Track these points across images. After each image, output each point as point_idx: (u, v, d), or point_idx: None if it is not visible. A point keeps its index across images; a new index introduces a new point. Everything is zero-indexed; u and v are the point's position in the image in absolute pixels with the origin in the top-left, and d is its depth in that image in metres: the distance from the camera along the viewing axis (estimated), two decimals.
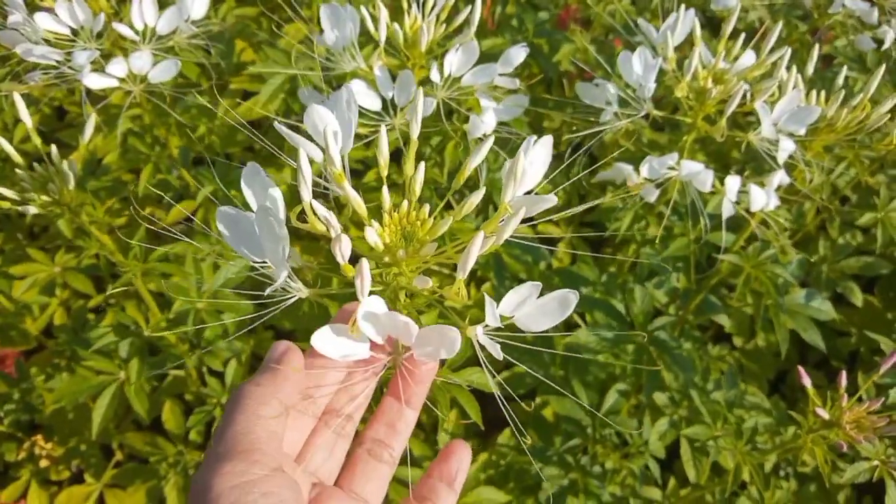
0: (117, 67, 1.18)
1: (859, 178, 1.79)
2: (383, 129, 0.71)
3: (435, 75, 1.05)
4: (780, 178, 1.12)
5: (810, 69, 1.15)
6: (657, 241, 1.43)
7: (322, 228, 0.65)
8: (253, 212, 0.66)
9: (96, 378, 1.40)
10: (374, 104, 1.06)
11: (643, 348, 1.40)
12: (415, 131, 0.72)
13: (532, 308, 0.64)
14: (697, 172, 1.05)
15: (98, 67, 1.19)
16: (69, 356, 1.65)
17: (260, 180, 0.68)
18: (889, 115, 1.11)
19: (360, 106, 1.08)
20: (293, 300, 0.67)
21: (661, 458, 1.56)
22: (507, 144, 1.84)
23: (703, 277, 1.54)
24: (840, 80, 1.12)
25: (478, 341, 0.65)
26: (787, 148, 1.06)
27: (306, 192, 0.64)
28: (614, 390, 1.56)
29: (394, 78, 1.06)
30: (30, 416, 1.93)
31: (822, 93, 1.12)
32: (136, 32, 1.21)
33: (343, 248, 0.61)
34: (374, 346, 0.67)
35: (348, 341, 0.63)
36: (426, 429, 1.82)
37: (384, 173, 0.71)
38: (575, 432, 1.50)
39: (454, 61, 1.04)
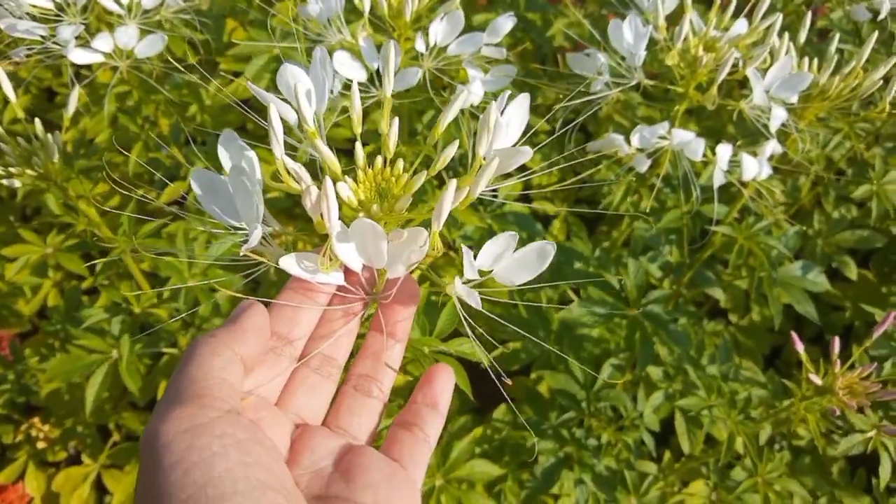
0: (103, 42, 1.17)
1: (854, 151, 1.79)
2: (354, 84, 0.70)
3: (420, 45, 1.04)
4: (772, 147, 1.11)
5: (802, 37, 1.14)
6: (649, 214, 1.42)
7: (297, 187, 0.64)
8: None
9: (89, 357, 1.39)
10: (360, 75, 1.05)
11: (637, 322, 1.39)
12: (388, 88, 0.72)
13: (510, 261, 0.63)
14: (689, 141, 1.04)
15: (84, 43, 1.17)
16: (63, 337, 1.65)
17: (236, 146, 0.67)
18: (882, 84, 1.10)
19: (345, 77, 1.07)
20: (267, 267, 0.67)
21: (655, 430, 1.57)
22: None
23: (697, 250, 1.54)
24: (833, 48, 1.11)
25: (457, 296, 0.64)
26: (779, 116, 1.05)
27: (278, 149, 0.64)
28: (608, 365, 1.56)
29: (380, 49, 1.04)
30: (25, 397, 1.94)
31: (815, 60, 1.11)
32: (121, 6, 1.19)
33: (312, 200, 0.61)
34: (349, 278, 0.67)
35: (318, 269, 0.63)
36: None
37: (358, 129, 0.70)
38: (570, 406, 1.50)
39: (439, 31, 1.03)
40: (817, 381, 1.03)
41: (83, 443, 1.88)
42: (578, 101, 1.15)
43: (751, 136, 1.90)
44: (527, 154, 0.63)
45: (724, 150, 1.07)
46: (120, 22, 1.19)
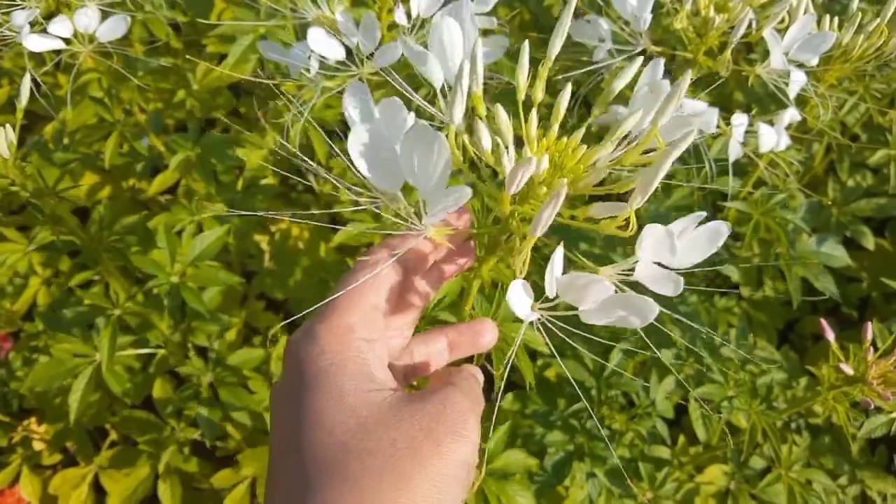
0: (60, 26, 1.09)
1: (870, 114, 1.69)
2: (525, 47, 0.63)
3: (400, 17, 0.95)
4: (790, 115, 1.03)
5: None
6: (658, 192, 1.34)
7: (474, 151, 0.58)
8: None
9: (72, 360, 1.33)
10: (338, 53, 0.97)
11: None
12: (555, 49, 0.64)
13: (684, 242, 0.57)
14: (701, 112, 0.95)
15: (42, 28, 1.09)
16: (49, 338, 1.58)
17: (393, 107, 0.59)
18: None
19: (321, 56, 0.99)
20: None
21: (669, 417, 1.50)
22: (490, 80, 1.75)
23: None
24: (855, 4, 1.02)
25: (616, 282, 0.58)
26: (798, 80, 0.97)
27: (460, 110, 0.56)
28: (618, 350, 1.49)
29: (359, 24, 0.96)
30: (18, 400, 1.88)
31: (836, 19, 1.02)
32: None
33: (525, 175, 0.54)
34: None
35: None
36: None
37: (522, 95, 0.62)
38: (579, 395, 1.44)
39: (421, 1, 0.95)
40: (848, 370, 0.96)
41: (78, 444, 1.83)
42: (580, 71, 1.07)
43: (760, 104, 1.82)
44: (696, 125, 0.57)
45: (739, 121, 0.98)
46: (80, 4, 1.11)
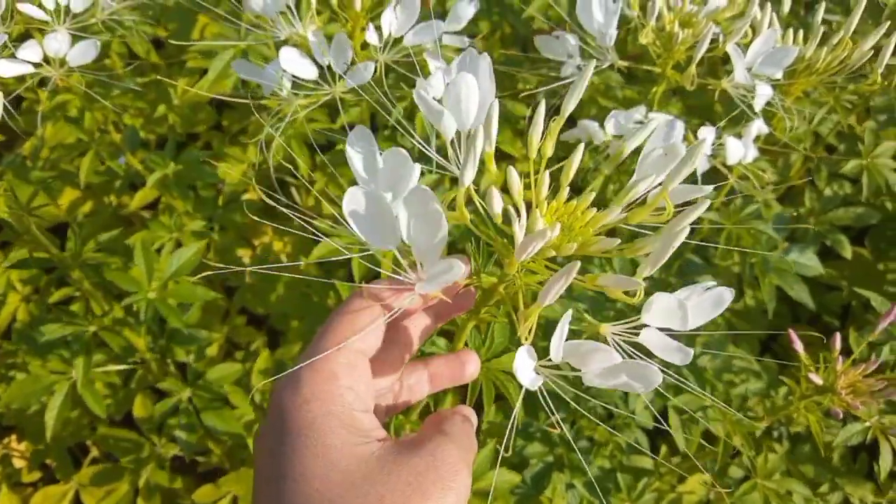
0: (30, 52, 1.08)
1: (842, 125, 1.72)
2: (541, 106, 0.63)
3: (371, 36, 0.96)
4: (758, 127, 1.04)
5: (786, 8, 1.06)
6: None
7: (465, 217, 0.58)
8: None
9: (48, 378, 1.32)
10: (310, 72, 0.98)
11: (623, 315, 1.33)
12: (570, 106, 0.65)
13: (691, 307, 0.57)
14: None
15: (11, 54, 1.09)
16: (26, 355, 1.58)
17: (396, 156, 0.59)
18: (871, 55, 1.03)
19: (293, 76, 1.00)
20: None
21: (648, 428, 1.51)
22: None
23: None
24: (819, 18, 1.04)
25: (614, 341, 0.59)
26: (764, 94, 0.98)
27: (471, 173, 0.56)
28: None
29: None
30: None
31: (801, 32, 1.04)
32: (47, 12, 1.10)
33: (537, 246, 0.54)
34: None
35: None
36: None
37: (533, 155, 0.62)
38: (557, 406, 1.44)
39: (393, 20, 0.95)
40: (818, 380, 0.97)
41: (57, 461, 1.81)
42: (557, 83, 1.08)
43: (739, 114, 1.84)
44: (707, 189, 0.60)
45: (706, 134, 1.00)
46: (49, 28, 1.10)
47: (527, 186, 0.62)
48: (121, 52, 1.70)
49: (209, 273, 1.18)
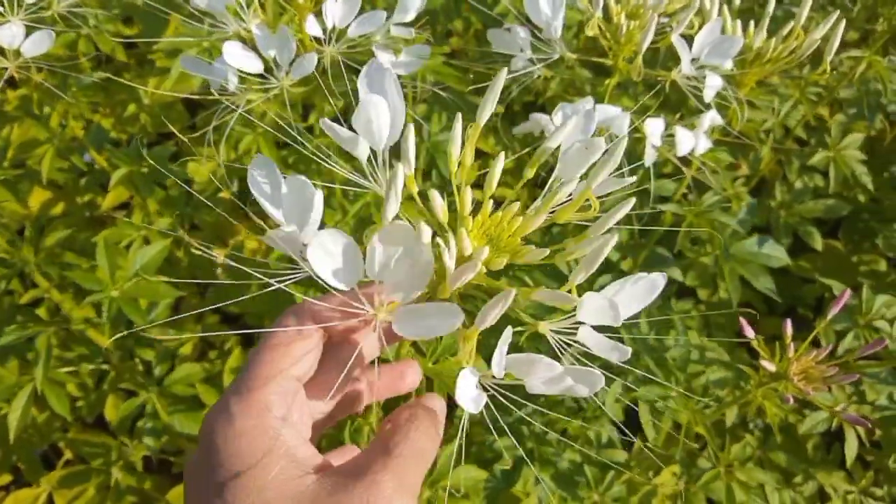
0: None
1: (808, 117, 1.73)
2: (458, 118, 0.62)
3: (312, 27, 0.96)
4: (710, 118, 1.04)
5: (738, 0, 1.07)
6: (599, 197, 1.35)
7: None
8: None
9: (11, 379, 1.31)
10: (255, 66, 0.97)
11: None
12: (485, 115, 0.63)
13: (622, 298, 0.58)
14: (614, 117, 0.97)
15: None
16: None
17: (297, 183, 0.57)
18: (823, 44, 1.03)
19: (239, 70, 1.00)
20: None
21: (619, 421, 1.51)
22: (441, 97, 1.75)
23: (650, 230, 1.48)
24: (770, 9, 1.04)
25: (554, 338, 0.59)
26: (714, 84, 0.98)
27: (394, 207, 0.55)
28: (567, 356, 1.50)
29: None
30: None
31: (751, 23, 1.04)
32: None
33: (467, 277, 0.54)
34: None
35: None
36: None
37: (454, 168, 0.61)
38: (528, 401, 1.44)
39: (336, 11, 0.95)
40: (770, 366, 0.97)
41: (27, 465, 1.80)
42: (510, 74, 1.07)
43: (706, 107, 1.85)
44: (629, 180, 0.60)
45: (653, 125, 1.00)
46: (2, 20, 1.10)
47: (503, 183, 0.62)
48: (87, 50, 1.69)
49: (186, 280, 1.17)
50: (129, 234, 1.59)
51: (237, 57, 0.95)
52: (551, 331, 0.61)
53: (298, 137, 0.70)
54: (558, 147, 0.63)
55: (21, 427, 1.32)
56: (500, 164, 0.61)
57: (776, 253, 1.46)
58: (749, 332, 1.01)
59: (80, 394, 1.73)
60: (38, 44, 1.10)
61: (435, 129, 1.81)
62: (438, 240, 0.55)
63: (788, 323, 1.00)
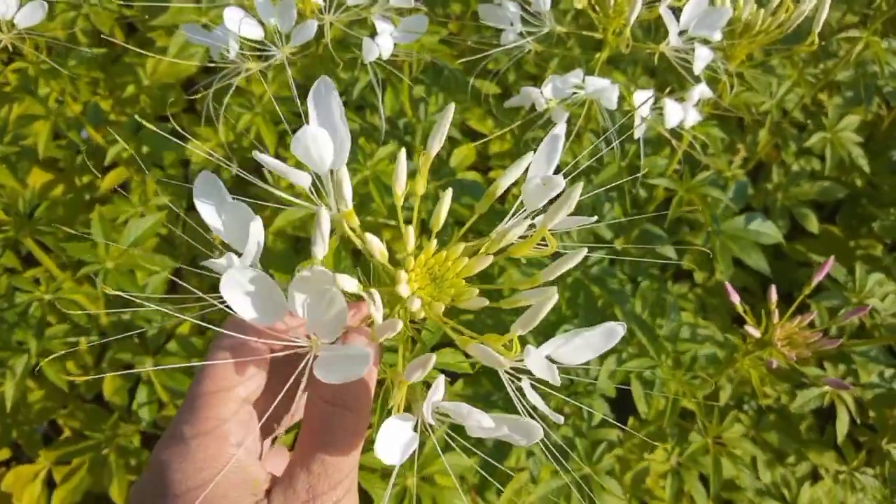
0: None
1: (806, 99, 1.73)
2: (402, 154, 0.61)
3: None
4: (700, 91, 1.05)
5: None
6: (592, 173, 1.36)
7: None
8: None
9: (5, 353, 1.33)
10: (256, 32, 0.98)
11: (580, 284, 1.34)
12: (436, 145, 0.62)
13: (575, 345, 0.58)
14: (603, 89, 0.97)
15: None
16: None
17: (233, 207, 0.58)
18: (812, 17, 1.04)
19: (241, 37, 1.01)
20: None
21: (611, 397, 1.52)
22: (441, 77, 1.76)
23: (643, 206, 1.49)
24: None
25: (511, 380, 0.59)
26: (703, 57, 0.99)
27: (322, 248, 0.55)
28: (561, 331, 1.50)
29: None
30: None
31: None
32: None
33: (392, 332, 0.55)
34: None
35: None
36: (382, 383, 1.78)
37: (399, 203, 0.61)
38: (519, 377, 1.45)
39: None
40: (755, 333, 0.98)
41: (27, 441, 1.82)
42: (496, 51, 1.08)
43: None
44: (591, 220, 0.60)
45: (640, 97, 1.01)
46: None
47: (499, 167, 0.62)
48: (85, 27, 1.70)
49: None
50: (126, 211, 1.60)
51: (238, 23, 0.96)
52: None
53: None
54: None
55: (17, 397, 1.33)
56: (447, 200, 0.61)
57: (766, 230, 1.46)
58: (734, 298, 1.02)
59: (79, 372, 1.75)
60: (31, 15, 1.11)
61: (432, 110, 1.82)
62: (368, 291, 0.55)
63: (773, 289, 1.01)
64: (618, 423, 1.60)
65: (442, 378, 0.55)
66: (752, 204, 1.88)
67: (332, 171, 0.60)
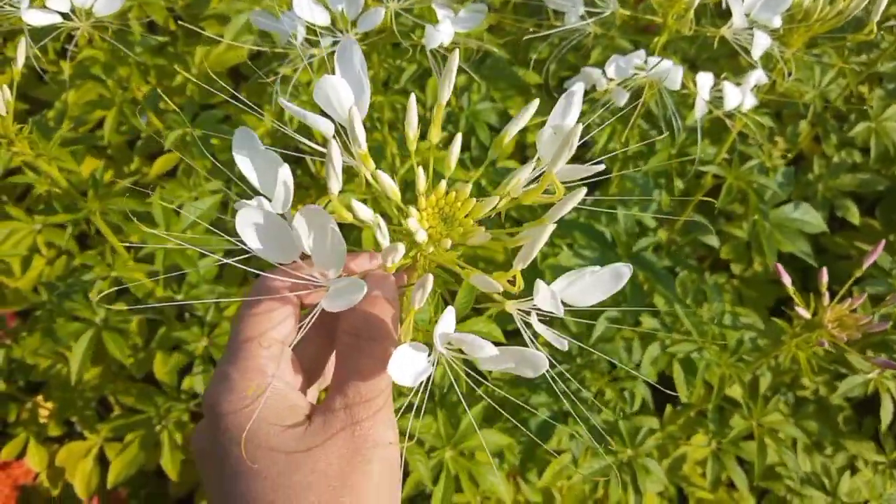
0: (59, 2, 1.13)
1: (850, 90, 1.73)
2: (412, 99, 0.64)
3: None
4: (757, 76, 1.07)
5: None
6: (639, 159, 1.38)
7: (349, 218, 0.61)
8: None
9: (72, 325, 1.38)
10: (323, 18, 1.02)
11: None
12: (446, 94, 0.65)
13: (585, 284, 0.61)
14: (667, 70, 1.00)
15: (41, 4, 1.14)
16: (50, 311, 1.64)
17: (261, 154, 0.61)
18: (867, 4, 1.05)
19: (307, 22, 1.04)
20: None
21: (652, 382, 1.54)
22: (483, 62, 1.78)
23: (689, 195, 1.50)
24: None
25: (522, 320, 0.62)
26: (762, 43, 1.01)
27: (335, 183, 0.59)
28: (603, 318, 1.52)
29: None
30: (25, 376, 1.94)
31: None
32: None
33: (396, 257, 0.58)
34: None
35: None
36: None
37: (413, 146, 0.64)
38: (562, 359, 1.48)
39: None
40: (805, 314, 1.00)
41: (80, 416, 1.88)
42: (552, 31, 1.10)
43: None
44: (597, 169, 0.61)
45: (704, 79, 1.03)
46: None
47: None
48: (139, 16, 1.75)
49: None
50: (181, 195, 1.65)
51: (307, 9, 1.00)
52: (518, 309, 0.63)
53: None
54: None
55: (82, 371, 1.39)
56: (456, 144, 0.64)
57: (811, 218, 1.47)
58: (786, 279, 1.04)
59: (130, 352, 1.80)
60: (110, 4, 1.15)
61: (475, 98, 1.85)
62: (376, 218, 0.59)
63: (824, 271, 1.03)
64: (657, 410, 1.62)
65: (450, 309, 0.59)
66: (791, 196, 1.89)
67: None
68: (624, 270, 0.61)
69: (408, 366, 0.57)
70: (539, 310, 0.60)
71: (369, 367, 0.60)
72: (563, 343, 0.60)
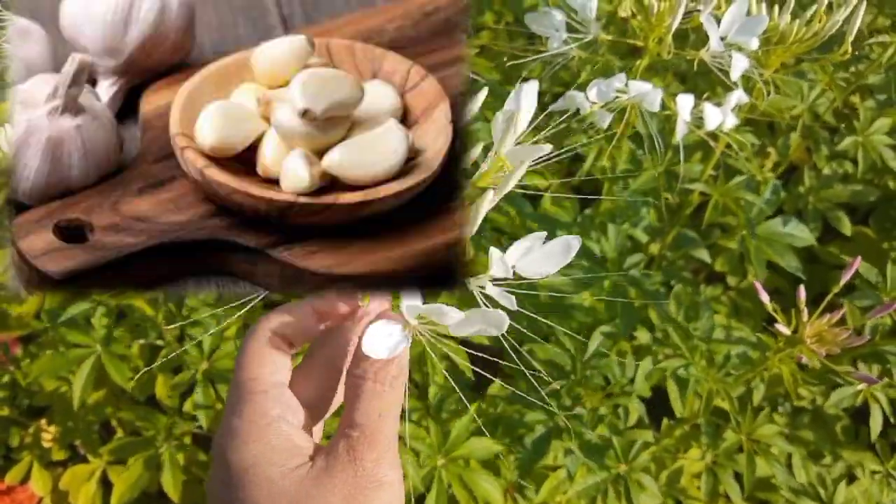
0: None
1: (838, 104, 1.75)
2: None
3: None
4: (737, 96, 1.09)
5: None
6: (628, 177, 1.41)
7: None
8: None
9: (74, 352, 1.40)
10: None
11: (619, 287, 1.38)
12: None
13: (537, 255, 0.63)
14: (646, 92, 1.02)
15: None
16: (53, 336, 1.66)
17: None
18: (843, 25, 1.08)
19: None
20: None
21: (646, 397, 1.56)
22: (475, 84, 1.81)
23: (678, 211, 1.53)
24: None
25: (482, 293, 0.64)
26: (740, 64, 1.03)
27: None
28: (598, 333, 1.54)
29: None
30: (28, 400, 1.96)
31: (775, 6, 1.09)
32: None
33: None
34: None
35: None
36: (419, 385, 1.83)
37: None
38: (557, 376, 1.50)
39: None
40: (785, 330, 1.02)
41: (84, 440, 1.90)
42: (535, 58, 1.14)
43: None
44: (544, 150, 0.63)
45: (684, 100, 1.05)
46: None
47: None
48: None
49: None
50: None
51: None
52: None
53: None
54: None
55: (84, 397, 1.41)
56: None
57: (800, 233, 1.49)
58: (764, 297, 1.07)
59: (131, 374, 1.82)
60: None
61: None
62: None
63: (801, 289, 1.06)
64: (651, 425, 1.63)
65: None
66: (784, 207, 1.91)
67: None
68: (573, 242, 0.63)
69: (382, 340, 0.59)
70: (495, 279, 0.63)
71: (376, 410, 0.61)
72: (511, 300, 0.62)
